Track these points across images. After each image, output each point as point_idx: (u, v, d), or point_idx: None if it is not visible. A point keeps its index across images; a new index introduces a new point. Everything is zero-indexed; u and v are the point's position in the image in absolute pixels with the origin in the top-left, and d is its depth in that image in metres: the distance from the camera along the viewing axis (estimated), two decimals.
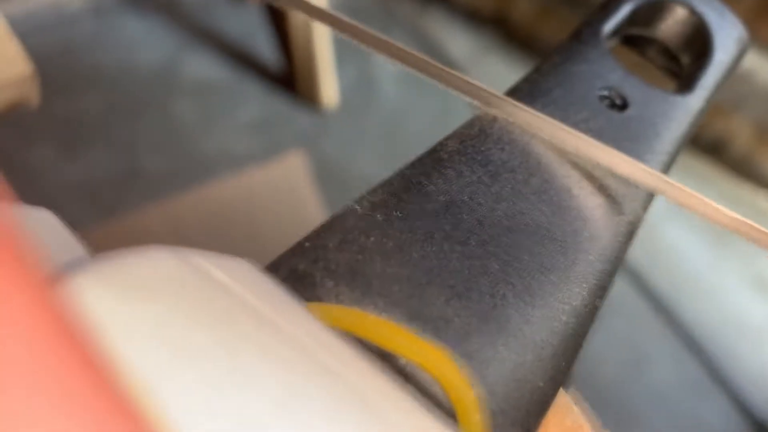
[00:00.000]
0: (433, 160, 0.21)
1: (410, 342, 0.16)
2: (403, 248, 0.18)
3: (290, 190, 0.81)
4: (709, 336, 0.95)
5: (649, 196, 0.23)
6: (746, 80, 0.96)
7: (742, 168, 1.13)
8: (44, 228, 0.14)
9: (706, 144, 1.12)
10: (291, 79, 1.06)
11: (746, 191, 1.11)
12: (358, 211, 0.19)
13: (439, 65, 0.23)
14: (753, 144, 1.10)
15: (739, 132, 1.10)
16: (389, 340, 0.16)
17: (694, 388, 0.91)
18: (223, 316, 0.12)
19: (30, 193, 0.89)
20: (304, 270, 0.17)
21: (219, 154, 0.97)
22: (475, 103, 0.23)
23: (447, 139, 0.22)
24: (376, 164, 1.01)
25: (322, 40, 0.91)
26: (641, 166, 0.22)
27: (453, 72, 0.23)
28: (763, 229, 0.20)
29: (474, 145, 0.22)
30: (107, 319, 0.11)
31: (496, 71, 1.23)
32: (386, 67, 1.11)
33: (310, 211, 0.81)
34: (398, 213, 0.19)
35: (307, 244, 0.18)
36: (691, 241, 1.05)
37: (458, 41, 1.27)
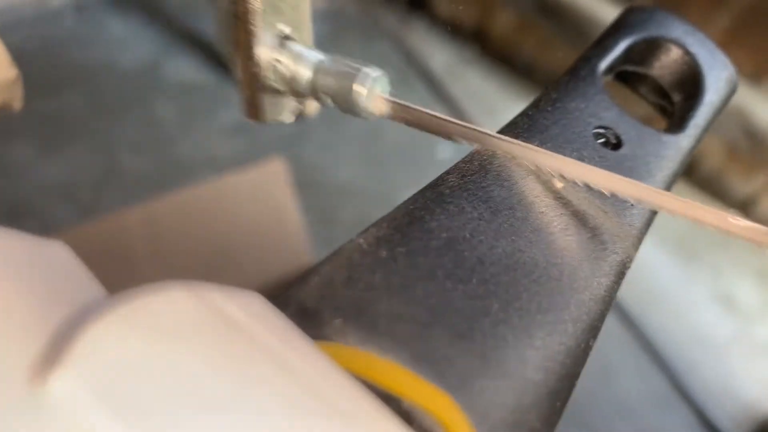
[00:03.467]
0: (435, 194, 0.22)
1: (415, 385, 0.16)
2: (407, 286, 0.19)
3: (270, 194, 0.81)
4: (674, 350, 0.97)
5: (641, 235, 0.24)
6: None
7: (711, 187, 1.15)
8: (57, 263, 0.14)
9: None
10: None
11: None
12: (363, 246, 0.19)
13: (434, 114, 0.23)
14: (723, 164, 1.12)
15: (710, 152, 1.12)
16: (394, 382, 0.16)
17: (658, 402, 0.93)
18: (243, 358, 0.13)
19: (8, 193, 0.87)
20: (312, 307, 0.18)
21: (199, 157, 0.97)
22: (476, 145, 0.23)
23: (448, 173, 0.23)
24: (355, 170, 1.01)
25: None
26: (642, 185, 0.22)
27: (449, 119, 0.23)
28: None
29: (475, 181, 0.22)
30: (131, 363, 0.12)
31: (475, 83, 1.24)
32: None
33: (289, 216, 0.81)
34: (402, 249, 0.20)
35: (314, 278, 0.18)
36: (660, 257, 1.07)
37: (439, 53, 1.28)
